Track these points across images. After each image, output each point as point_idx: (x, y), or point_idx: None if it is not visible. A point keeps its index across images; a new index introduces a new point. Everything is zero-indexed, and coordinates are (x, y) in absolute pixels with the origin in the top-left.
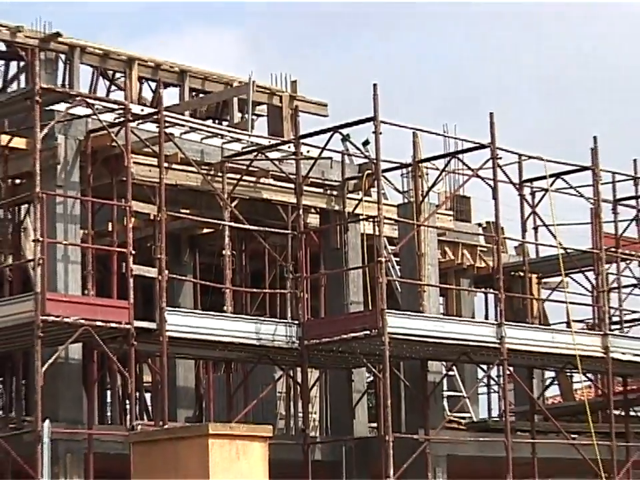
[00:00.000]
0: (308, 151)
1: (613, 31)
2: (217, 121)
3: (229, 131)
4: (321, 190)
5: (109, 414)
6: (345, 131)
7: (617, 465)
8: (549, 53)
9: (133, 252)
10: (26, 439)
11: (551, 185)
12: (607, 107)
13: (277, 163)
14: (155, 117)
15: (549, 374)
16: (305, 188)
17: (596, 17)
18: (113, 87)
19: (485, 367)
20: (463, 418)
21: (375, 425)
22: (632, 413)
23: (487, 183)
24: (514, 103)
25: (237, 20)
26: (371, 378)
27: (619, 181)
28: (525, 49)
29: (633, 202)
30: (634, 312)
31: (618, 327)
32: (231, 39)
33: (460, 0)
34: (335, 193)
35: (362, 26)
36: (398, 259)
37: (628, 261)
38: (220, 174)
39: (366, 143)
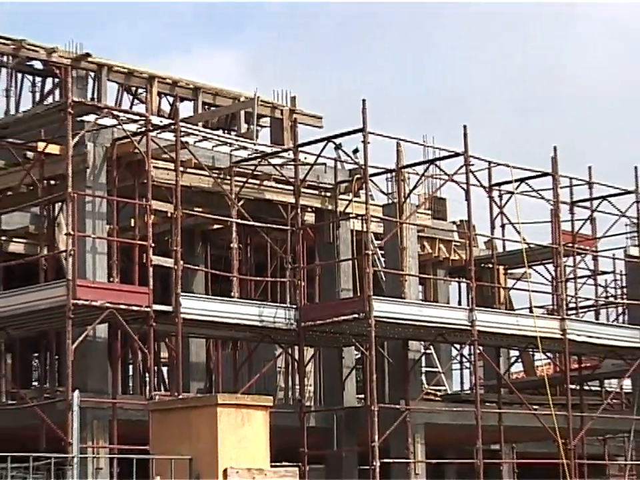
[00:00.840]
0: (305, 158)
1: (575, 49)
2: (225, 131)
3: (236, 140)
4: (316, 191)
5: (130, 385)
6: (337, 141)
7: (572, 432)
8: (516, 71)
9: (152, 245)
10: (58, 407)
11: (517, 188)
12: (568, 119)
13: (278, 167)
14: (172, 127)
15: (514, 353)
16: (302, 190)
17: (557, 37)
18: (136, 101)
19: (458, 346)
20: (439, 390)
21: (362, 396)
22: (586, 387)
23: (460, 187)
24: (486, 114)
25: (239, 40)
26: (359, 355)
27: (575, 185)
28: (496, 66)
29: (587, 204)
30: (587, 299)
31: (574, 312)
32: (233, 58)
33: (434, 21)
34: (328, 194)
35: (348, 44)
36: (383, 252)
37: (583, 255)
38: (228, 177)
39: (355, 151)
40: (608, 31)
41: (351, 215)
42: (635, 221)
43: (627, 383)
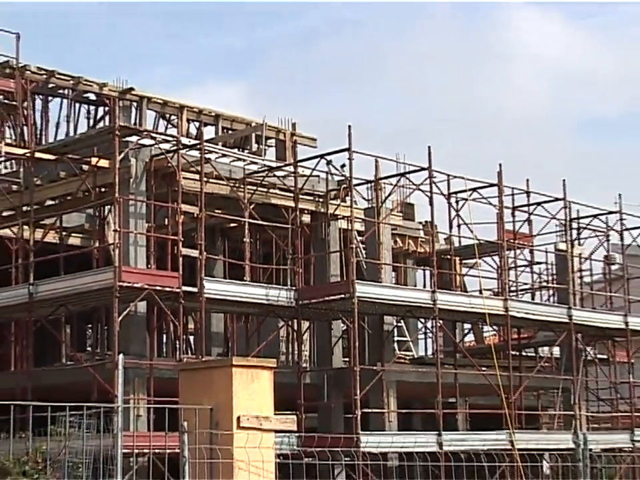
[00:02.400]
0: (302, 171)
1: (513, 86)
2: (240, 149)
3: (248, 156)
4: (311, 198)
5: (164, 350)
6: (328, 157)
7: (512, 389)
8: (467, 101)
9: (181, 239)
10: (107, 367)
11: (470, 195)
12: (510, 140)
13: (281, 178)
14: (198, 146)
15: (467, 326)
16: (300, 196)
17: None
18: (169, 125)
19: (423, 320)
20: (408, 355)
21: (347, 359)
22: (523, 353)
23: (425, 194)
24: (446, 136)
25: (242, 73)
26: (345, 327)
27: (516, 194)
28: (449, 100)
29: (525, 208)
30: (525, 284)
31: (514, 293)
32: (239, 88)
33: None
34: (321, 200)
35: (337, 81)
36: (364, 246)
37: (521, 249)
38: (242, 186)
39: (343, 166)
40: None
41: (338, 217)
42: (563, 222)
43: (556, 350)
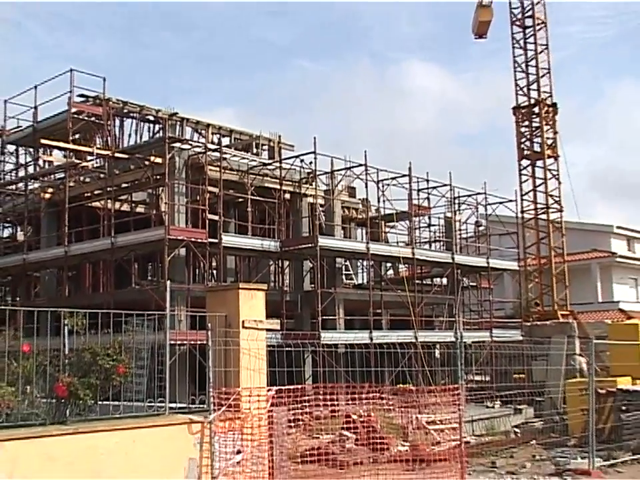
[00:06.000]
0: (285, 166)
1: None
2: (245, 152)
3: (251, 156)
4: (290, 183)
5: (197, 279)
6: (302, 157)
7: (416, 303)
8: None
9: (207, 209)
10: (160, 289)
11: (390, 182)
12: (413, 145)
13: (271, 170)
14: (218, 150)
15: (389, 264)
16: (283, 182)
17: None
18: (200, 137)
19: (361, 260)
20: (351, 283)
21: (313, 285)
22: (424, 282)
23: (362, 181)
24: (370, 143)
25: (231, 98)
26: (311, 265)
27: (420, 181)
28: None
29: (425, 190)
30: (425, 238)
31: (418, 243)
32: (227, 112)
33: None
34: (296, 184)
35: (304, 104)
36: (324, 214)
37: (422, 216)
38: (246, 175)
39: (310, 163)
40: (425, 101)
41: (307, 195)
42: (449, 199)
43: (444, 280)
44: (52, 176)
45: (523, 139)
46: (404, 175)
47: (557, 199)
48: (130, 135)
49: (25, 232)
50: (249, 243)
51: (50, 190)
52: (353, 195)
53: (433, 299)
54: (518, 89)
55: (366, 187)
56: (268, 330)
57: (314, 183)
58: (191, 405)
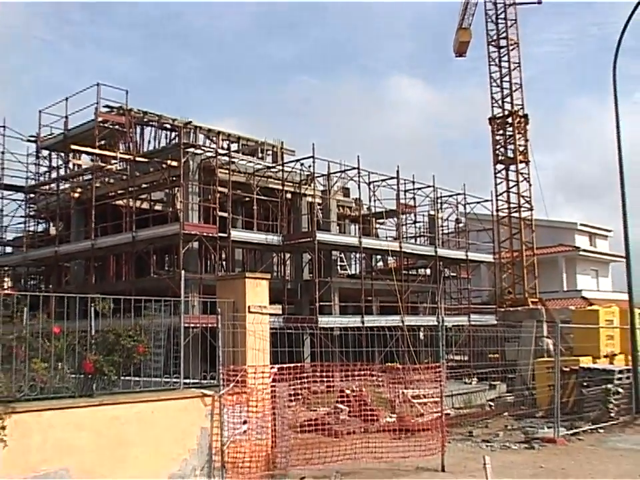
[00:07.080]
0: (287, 169)
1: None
2: (251, 156)
3: (256, 160)
4: (291, 184)
5: (209, 269)
6: (302, 161)
7: (403, 290)
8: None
9: (218, 207)
10: (176, 278)
11: (381, 183)
12: (401, 151)
13: (274, 172)
14: (227, 154)
15: (379, 257)
16: (285, 183)
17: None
18: (211, 142)
19: (354, 253)
20: (345, 273)
21: (311, 275)
22: (410, 272)
23: (355, 182)
24: (361, 149)
25: (235, 109)
26: (310, 257)
27: (407, 182)
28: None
29: (412, 191)
30: (411, 233)
31: (405, 238)
32: (235, 120)
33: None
34: (297, 185)
35: (304, 116)
36: (321, 211)
37: (409, 214)
38: (252, 177)
39: (309, 166)
40: (411, 112)
41: (307, 195)
42: (432, 199)
43: (428, 271)
44: (80, 177)
45: (498, 146)
46: (392, 177)
47: (528, 199)
48: (149, 141)
49: (57, 227)
50: (255, 237)
51: (79, 190)
52: (347, 195)
53: (418, 287)
54: (493, 101)
55: (359, 187)
56: (271, 314)
57: (312, 184)
58: (202, 381)
